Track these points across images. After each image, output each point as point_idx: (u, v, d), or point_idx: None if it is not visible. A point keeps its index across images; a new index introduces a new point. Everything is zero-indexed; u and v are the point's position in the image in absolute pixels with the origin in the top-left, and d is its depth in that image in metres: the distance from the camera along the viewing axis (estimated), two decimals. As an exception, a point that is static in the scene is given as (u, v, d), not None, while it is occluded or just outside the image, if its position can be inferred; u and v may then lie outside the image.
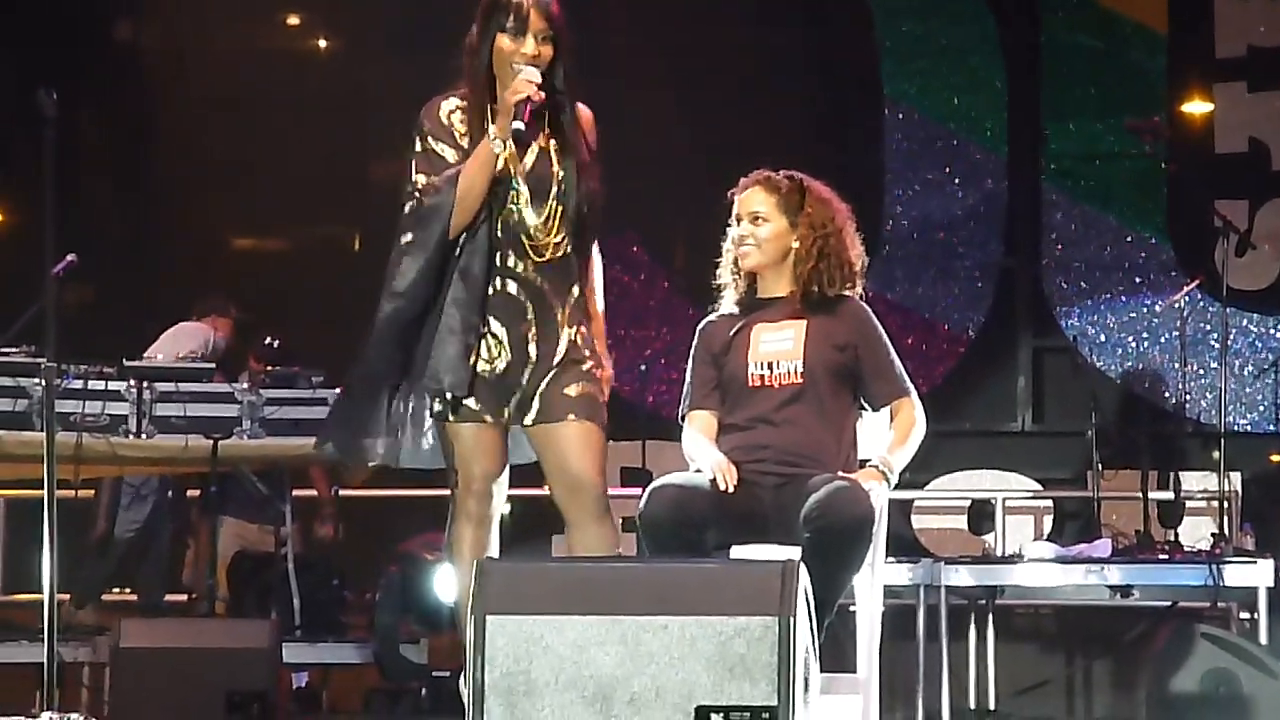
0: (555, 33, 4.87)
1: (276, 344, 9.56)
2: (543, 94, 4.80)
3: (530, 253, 4.90)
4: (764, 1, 11.24)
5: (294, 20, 12.24)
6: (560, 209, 4.89)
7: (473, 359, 4.88)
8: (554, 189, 4.90)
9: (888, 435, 5.33)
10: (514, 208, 4.90)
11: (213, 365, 8.46)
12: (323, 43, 12.21)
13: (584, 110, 5.01)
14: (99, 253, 8.84)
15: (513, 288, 4.92)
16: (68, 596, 8.76)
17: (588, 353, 4.96)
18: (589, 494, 4.92)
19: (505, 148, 4.82)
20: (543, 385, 4.92)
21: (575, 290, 4.96)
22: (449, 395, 4.89)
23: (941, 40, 11.13)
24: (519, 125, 4.74)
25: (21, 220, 11.40)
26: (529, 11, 4.86)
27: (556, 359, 4.92)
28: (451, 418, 4.92)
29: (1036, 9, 11.05)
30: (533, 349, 4.92)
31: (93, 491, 9.04)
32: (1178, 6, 10.93)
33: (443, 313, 4.87)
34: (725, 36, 11.27)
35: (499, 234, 4.90)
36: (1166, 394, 10.47)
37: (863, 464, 5.30)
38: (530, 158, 4.92)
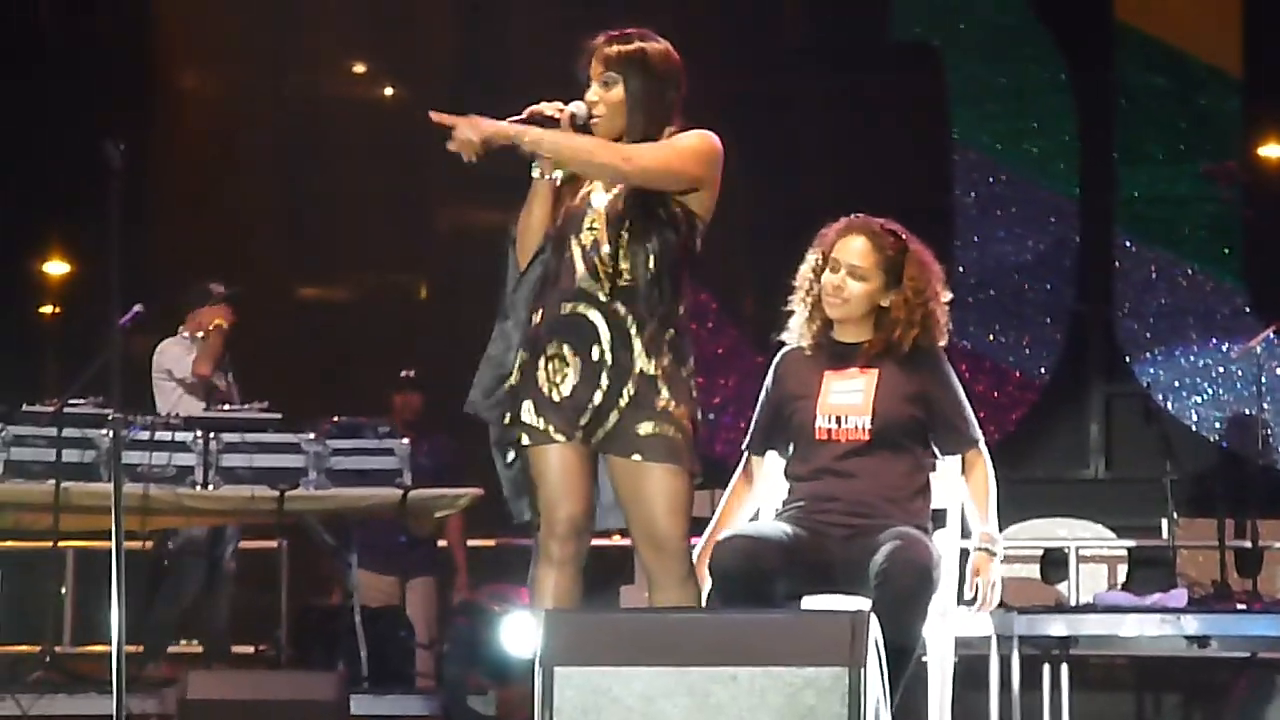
0: (622, 73, 4.87)
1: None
2: (559, 111, 4.79)
3: (604, 278, 4.85)
4: (831, 47, 11.21)
5: (360, 69, 12.27)
6: (627, 239, 4.84)
7: (538, 380, 4.85)
8: (626, 220, 4.85)
9: (967, 497, 5.29)
10: (591, 232, 4.87)
11: (279, 416, 8.43)
12: (389, 90, 12.23)
13: (704, 138, 4.90)
14: (165, 303, 8.85)
15: (585, 309, 4.86)
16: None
17: (665, 390, 4.85)
18: (673, 554, 4.85)
19: (542, 173, 4.85)
20: (614, 414, 4.83)
21: (657, 322, 4.86)
22: (508, 418, 4.87)
23: (1012, 83, 11.09)
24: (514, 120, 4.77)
25: (89, 271, 11.44)
26: (589, 61, 4.92)
27: (629, 389, 4.84)
28: (527, 441, 4.85)
29: (1108, 51, 10.99)
30: (605, 374, 4.84)
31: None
32: (1252, 49, 10.85)
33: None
34: (790, 83, 11.24)
35: (577, 258, 4.87)
36: (1243, 440, 10.33)
37: (936, 513, 5.23)
38: (616, 189, 4.89)
